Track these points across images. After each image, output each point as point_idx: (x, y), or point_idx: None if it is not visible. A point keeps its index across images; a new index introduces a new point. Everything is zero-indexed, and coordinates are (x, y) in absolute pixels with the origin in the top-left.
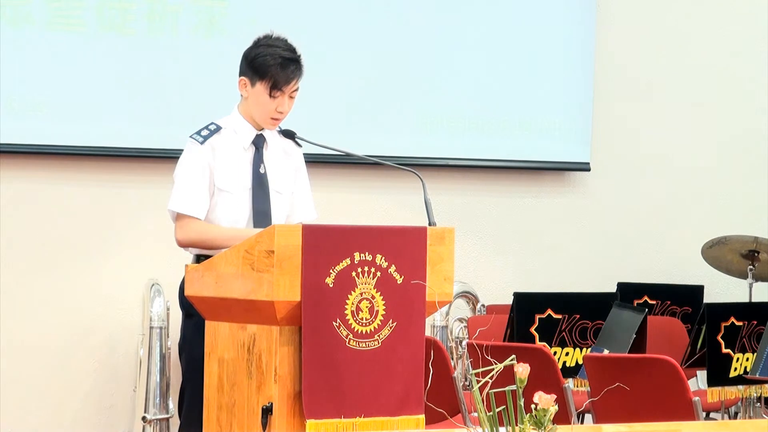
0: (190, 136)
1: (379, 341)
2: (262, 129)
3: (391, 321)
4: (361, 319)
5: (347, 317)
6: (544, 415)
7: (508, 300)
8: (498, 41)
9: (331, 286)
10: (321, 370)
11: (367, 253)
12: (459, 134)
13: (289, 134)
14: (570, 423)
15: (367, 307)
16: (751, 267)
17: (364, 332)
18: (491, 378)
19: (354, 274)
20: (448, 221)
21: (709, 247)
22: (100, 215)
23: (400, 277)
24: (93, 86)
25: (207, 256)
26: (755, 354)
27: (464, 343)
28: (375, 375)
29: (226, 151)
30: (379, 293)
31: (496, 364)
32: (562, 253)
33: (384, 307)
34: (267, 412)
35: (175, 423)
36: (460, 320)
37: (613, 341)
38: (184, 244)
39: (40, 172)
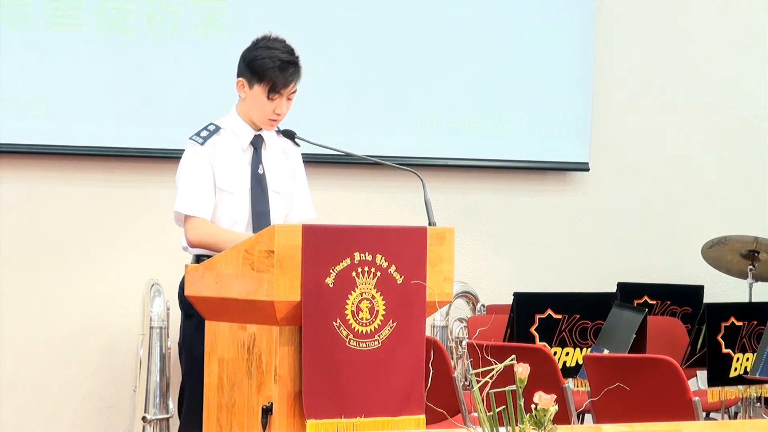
0: (190, 138)
1: (380, 341)
2: (260, 129)
3: (391, 321)
4: (362, 319)
5: (347, 317)
6: (544, 415)
7: (508, 300)
8: (498, 41)
9: (331, 286)
10: (321, 370)
11: (367, 253)
12: (459, 134)
13: (289, 134)
14: (570, 423)
15: (367, 307)
16: (751, 267)
17: (364, 332)
18: (491, 378)
19: (354, 274)
20: (448, 221)
21: (709, 247)
22: (100, 215)
23: (400, 277)
24: (93, 86)
25: (207, 256)
26: (755, 354)
27: (464, 343)
28: (375, 375)
29: (225, 152)
30: (379, 293)
31: (496, 364)
32: (562, 253)
33: (384, 307)
34: (267, 412)
35: (175, 423)
36: (460, 320)
37: (613, 341)
38: (195, 245)
39: (40, 172)
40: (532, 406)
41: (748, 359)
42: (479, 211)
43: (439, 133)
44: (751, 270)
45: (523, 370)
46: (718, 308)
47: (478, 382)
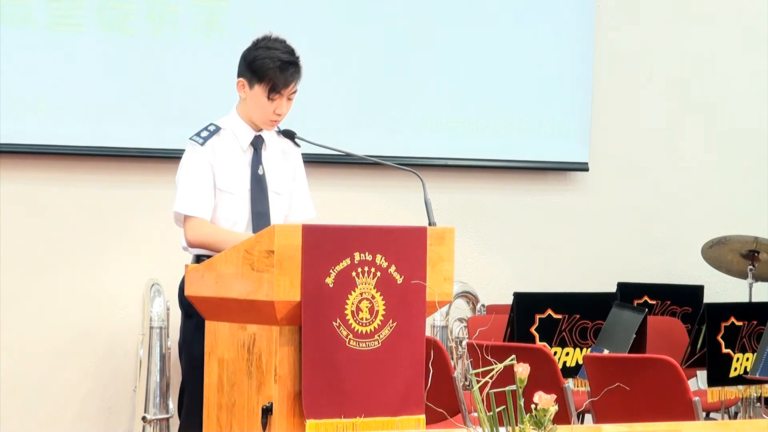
0: (190, 138)
1: (379, 341)
2: (261, 130)
3: (391, 321)
4: (361, 319)
5: (347, 317)
6: (544, 415)
7: (508, 300)
8: (498, 41)
9: (331, 286)
10: (321, 370)
11: (367, 253)
12: (459, 134)
13: (289, 134)
14: (570, 423)
15: (367, 307)
16: (751, 267)
17: (364, 332)
18: (491, 378)
19: (354, 274)
20: (448, 221)
21: (709, 247)
22: (100, 215)
23: (400, 277)
24: (93, 86)
25: (207, 256)
26: (755, 354)
27: (464, 343)
28: (375, 375)
29: (225, 152)
30: (379, 293)
31: (496, 364)
32: (562, 253)
33: (384, 307)
34: (267, 412)
35: (175, 423)
36: (460, 320)
37: (613, 341)
38: (194, 245)
39: (40, 172)
40: (532, 406)
41: (748, 359)
42: (479, 211)
43: (439, 133)
44: (751, 270)
45: (523, 370)
46: (718, 308)
47: (478, 382)
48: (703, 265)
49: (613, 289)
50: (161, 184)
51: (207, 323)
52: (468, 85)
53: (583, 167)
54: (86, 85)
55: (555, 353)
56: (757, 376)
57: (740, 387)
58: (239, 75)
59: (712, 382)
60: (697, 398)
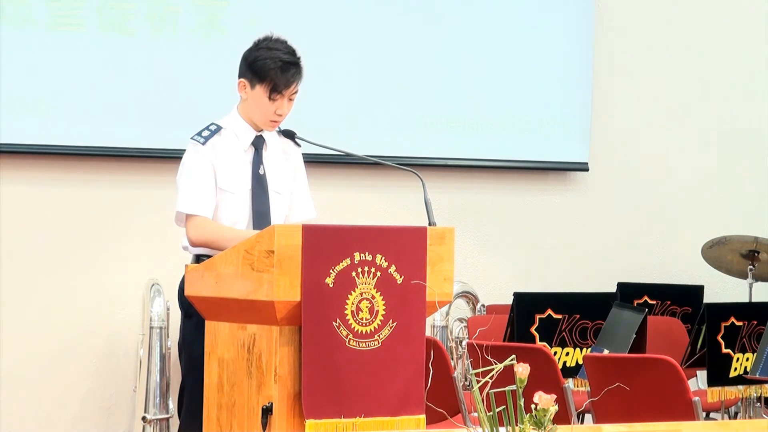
0: (191, 138)
1: (379, 341)
2: (262, 130)
3: (391, 321)
4: (361, 319)
5: (347, 317)
6: (544, 415)
7: (508, 300)
8: (498, 41)
9: (331, 286)
10: (321, 370)
11: (367, 253)
12: (459, 134)
13: (289, 134)
14: (570, 423)
15: (367, 307)
16: (751, 267)
17: (364, 332)
18: (491, 378)
19: (354, 274)
20: (448, 221)
21: (709, 247)
22: (100, 215)
23: (400, 277)
24: (93, 86)
25: (207, 256)
26: (755, 354)
27: (464, 343)
28: (375, 375)
29: (226, 152)
30: (379, 293)
31: (496, 364)
32: (562, 253)
33: (384, 307)
34: (267, 412)
35: (175, 423)
36: (460, 320)
37: (613, 341)
38: (196, 244)
39: (40, 172)
40: (532, 406)
41: (748, 359)
42: (479, 211)
43: (439, 133)
44: (751, 270)
45: (523, 370)
46: (718, 308)
47: (478, 382)
48: (703, 265)
49: (613, 289)
50: (161, 184)
51: (207, 323)
52: (468, 85)
53: (583, 167)
54: (86, 85)
55: (555, 353)
56: (757, 376)
57: (740, 387)
58: (240, 75)
59: (712, 382)
60: (697, 398)
